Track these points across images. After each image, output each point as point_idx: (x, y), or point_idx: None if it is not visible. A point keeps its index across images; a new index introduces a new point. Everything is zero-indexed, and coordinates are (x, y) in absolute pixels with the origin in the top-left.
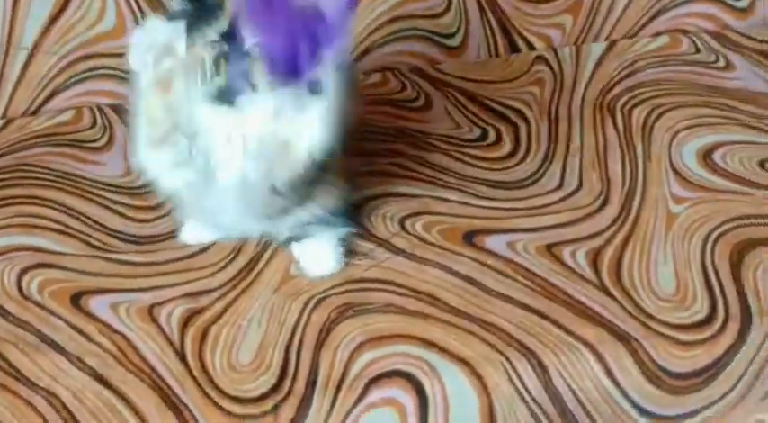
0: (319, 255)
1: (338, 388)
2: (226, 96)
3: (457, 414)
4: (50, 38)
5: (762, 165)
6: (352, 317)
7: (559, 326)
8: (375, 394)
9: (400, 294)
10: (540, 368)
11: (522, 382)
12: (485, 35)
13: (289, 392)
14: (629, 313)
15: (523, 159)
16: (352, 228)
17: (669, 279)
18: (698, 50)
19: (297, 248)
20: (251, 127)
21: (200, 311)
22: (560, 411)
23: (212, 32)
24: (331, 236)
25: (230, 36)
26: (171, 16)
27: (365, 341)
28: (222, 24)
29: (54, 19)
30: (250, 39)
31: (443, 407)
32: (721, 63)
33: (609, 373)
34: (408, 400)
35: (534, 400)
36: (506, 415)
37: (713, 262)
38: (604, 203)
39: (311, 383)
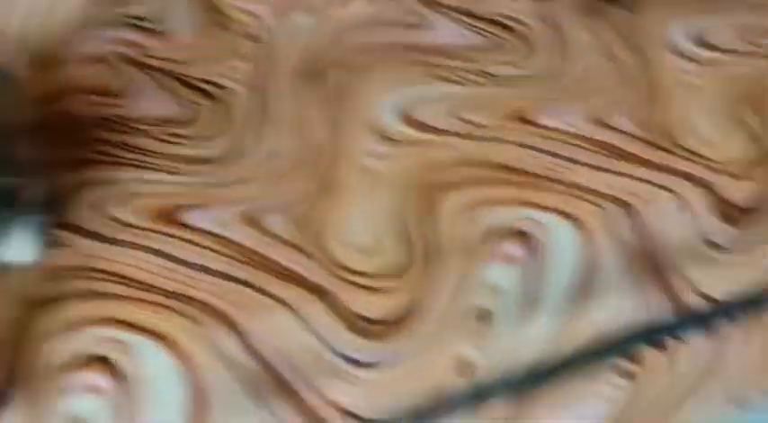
0: (19, 241)
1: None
2: None
3: (162, 392)
4: None
5: (454, 114)
6: (51, 307)
7: (258, 290)
8: (74, 381)
9: (101, 280)
10: (241, 333)
11: (226, 350)
12: (191, 15)
13: None
14: (327, 268)
15: (226, 133)
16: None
17: (365, 231)
18: (400, 12)
19: None
20: None
21: None
22: (268, 372)
23: None
24: (30, 223)
25: None
26: None
27: (63, 330)
28: None
29: None
30: None
31: (146, 387)
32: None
33: (310, 328)
34: (109, 384)
35: (240, 364)
36: (215, 385)
37: (406, 210)
38: (303, 167)
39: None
